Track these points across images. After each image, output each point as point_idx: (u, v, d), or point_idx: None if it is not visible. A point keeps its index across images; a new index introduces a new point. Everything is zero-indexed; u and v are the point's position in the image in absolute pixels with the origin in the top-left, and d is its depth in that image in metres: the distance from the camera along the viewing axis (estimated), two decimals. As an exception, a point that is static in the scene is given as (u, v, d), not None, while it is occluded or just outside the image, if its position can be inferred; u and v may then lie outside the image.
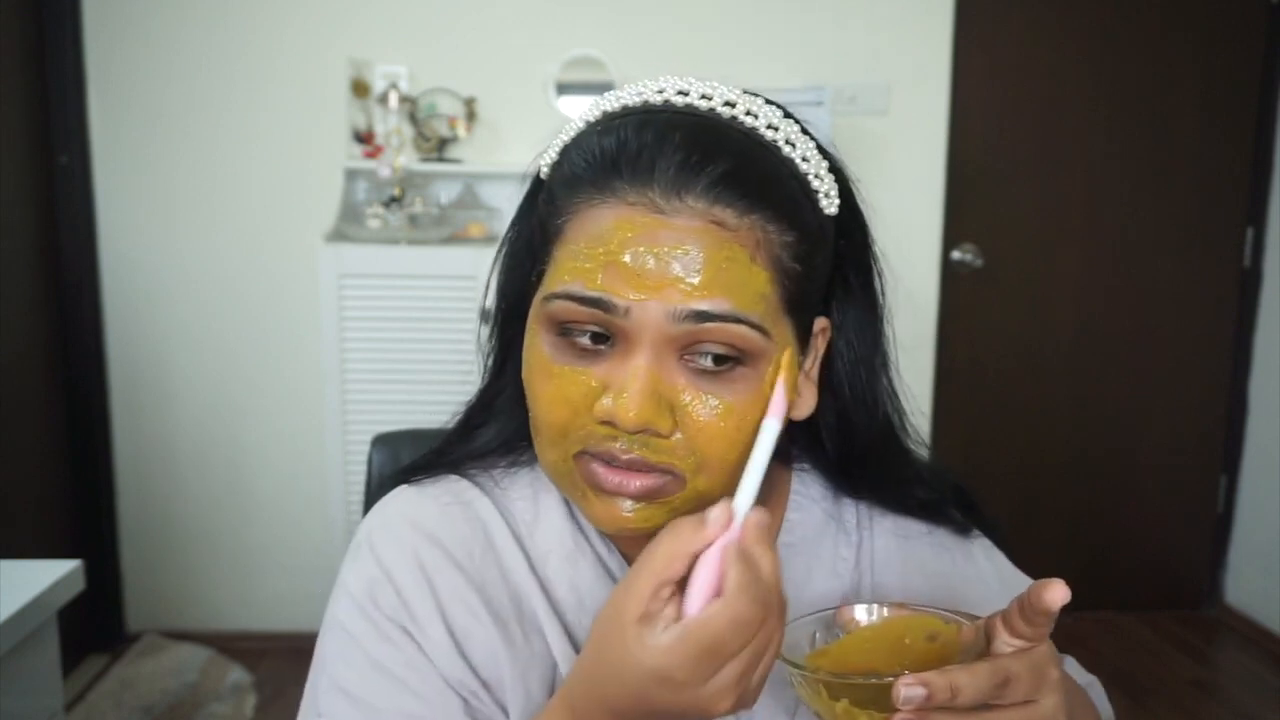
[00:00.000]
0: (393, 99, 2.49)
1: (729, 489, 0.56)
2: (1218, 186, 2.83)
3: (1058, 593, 0.49)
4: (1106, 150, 2.79)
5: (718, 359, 0.54)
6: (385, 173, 2.43)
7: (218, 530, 2.67)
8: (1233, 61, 2.78)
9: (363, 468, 1.01)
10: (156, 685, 2.35)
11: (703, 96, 0.58)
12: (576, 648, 0.61)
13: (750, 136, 0.57)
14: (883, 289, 0.66)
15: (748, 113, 0.58)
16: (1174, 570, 2.98)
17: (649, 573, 0.48)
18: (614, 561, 0.64)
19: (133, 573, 2.67)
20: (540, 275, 0.59)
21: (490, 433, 0.67)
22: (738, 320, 0.54)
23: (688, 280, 0.53)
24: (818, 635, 0.55)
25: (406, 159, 2.48)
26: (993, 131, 2.76)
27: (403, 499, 0.65)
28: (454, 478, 0.66)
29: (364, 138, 2.53)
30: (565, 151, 0.60)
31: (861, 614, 0.55)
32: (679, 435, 0.55)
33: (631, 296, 0.53)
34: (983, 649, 0.51)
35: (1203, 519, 2.97)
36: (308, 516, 2.62)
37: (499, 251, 0.66)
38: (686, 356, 0.55)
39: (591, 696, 0.50)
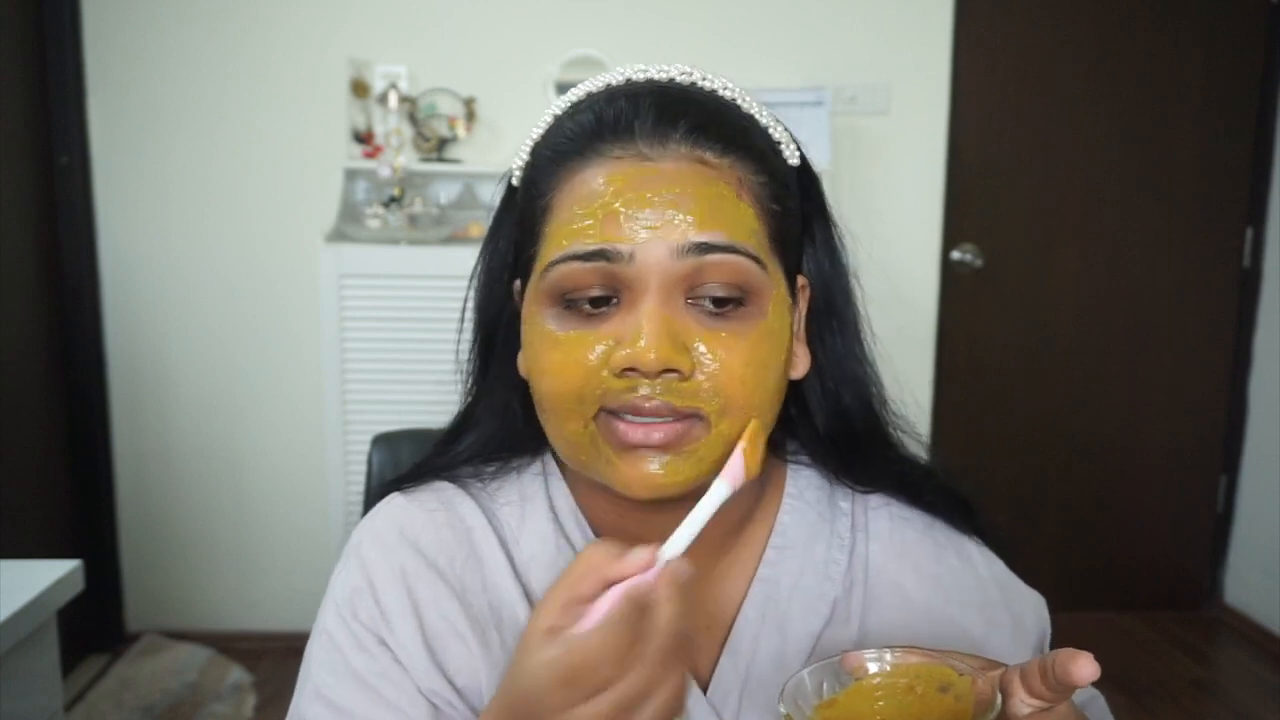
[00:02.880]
0: (392, 99, 2.49)
1: (769, 424, 0.59)
2: (1218, 186, 2.83)
3: (1086, 670, 0.46)
4: (1106, 150, 2.79)
5: (719, 302, 0.56)
6: (385, 173, 2.43)
7: (218, 530, 2.67)
8: (1233, 61, 2.78)
9: (363, 468, 1.01)
10: (156, 685, 2.35)
11: (660, 71, 0.61)
12: None
13: (712, 95, 0.61)
14: (843, 247, 0.67)
15: (703, 78, 0.61)
16: (1174, 570, 2.98)
17: (563, 587, 0.47)
18: None
19: (133, 573, 2.67)
20: (528, 266, 0.60)
21: (474, 438, 0.67)
22: (735, 250, 0.55)
23: (684, 216, 0.55)
24: (825, 685, 0.53)
25: (406, 159, 2.47)
26: (993, 131, 2.76)
27: (393, 506, 0.66)
28: (445, 484, 0.67)
29: (364, 138, 2.53)
30: (538, 146, 0.62)
31: (871, 661, 0.53)
32: (700, 377, 0.55)
33: (633, 240, 0.54)
34: (998, 706, 0.49)
35: (1203, 519, 2.97)
36: (308, 516, 2.62)
37: (475, 268, 0.67)
38: (691, 300, 0.56)
39: (498, 699, 0.50)
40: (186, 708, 2.29)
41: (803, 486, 0.68)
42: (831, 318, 0.65)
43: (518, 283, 0.64)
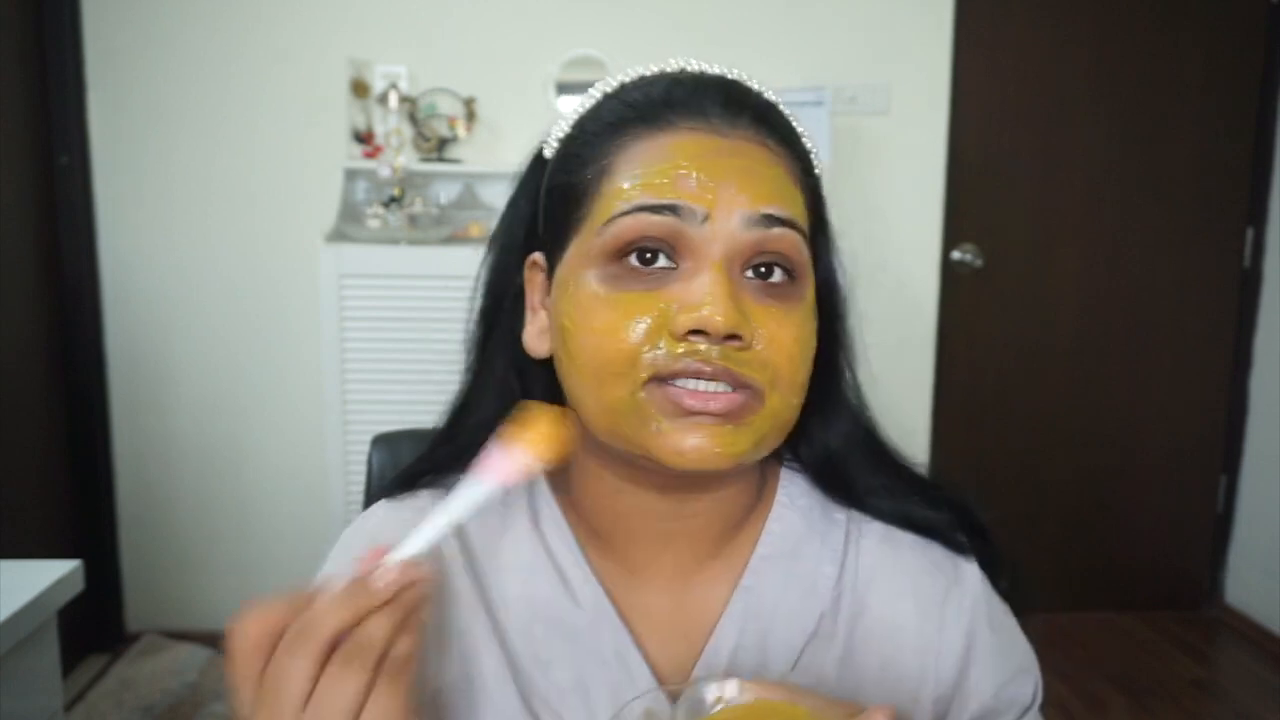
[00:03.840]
0: (392, 99, 2.49)
1: (794, 414, 0.58)
2: (1218, 186, 2.83)
3: None
4: (1106, 150, 2.79)
5: (769, 273, 0.56)
6: (385, 173, 2.43)
7: (218, 530, 2.67)
8: (1233, 61, 2.78)
9: (363, 468, 1.01)
10: (156, 685, 2.35)
11: (710, 67, 0.62)
12: (516, 667, 0.61)
13: (762, 95, 0.62)
14: (841, 268, 0.66)
15: (749, 79, 0.62)
16: (1174, 570, 2.98)
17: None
18: (577, 575, 0.62)
19: (133, 573, 2.67)
20: (567, 231, 0.59)
21: (475, 421, 0.65)
22: (794, 227, 0.57)
23: (756, 188, 0.55)
24: (684, 707, 0.50)
25: (406, 159, 2.47)
26: (993, 131, 2.76)
27: (372, 519, 0.67)
28: (430, 491, 0.66)
29: (364, 138, 2.53)
30: (586, 118, 0.61)
31: (731, 691, 0.50)
32: (757, 347, 0.55)
33: (710, 199, 0.54)
34: None
35: (1203, 519, 2.97)
36: (308, 516, 2.62)
37: (490, 245, 0.66)
38: (745, 274, 0.56)
39: None
40: (186, 708, 2.29)
41: (795, 493, 0.66)
42: (827, 334, 0.64)
43: (537, 255, 0.63)
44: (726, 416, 0.54)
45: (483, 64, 2.58)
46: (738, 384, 0.54)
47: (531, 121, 2.59)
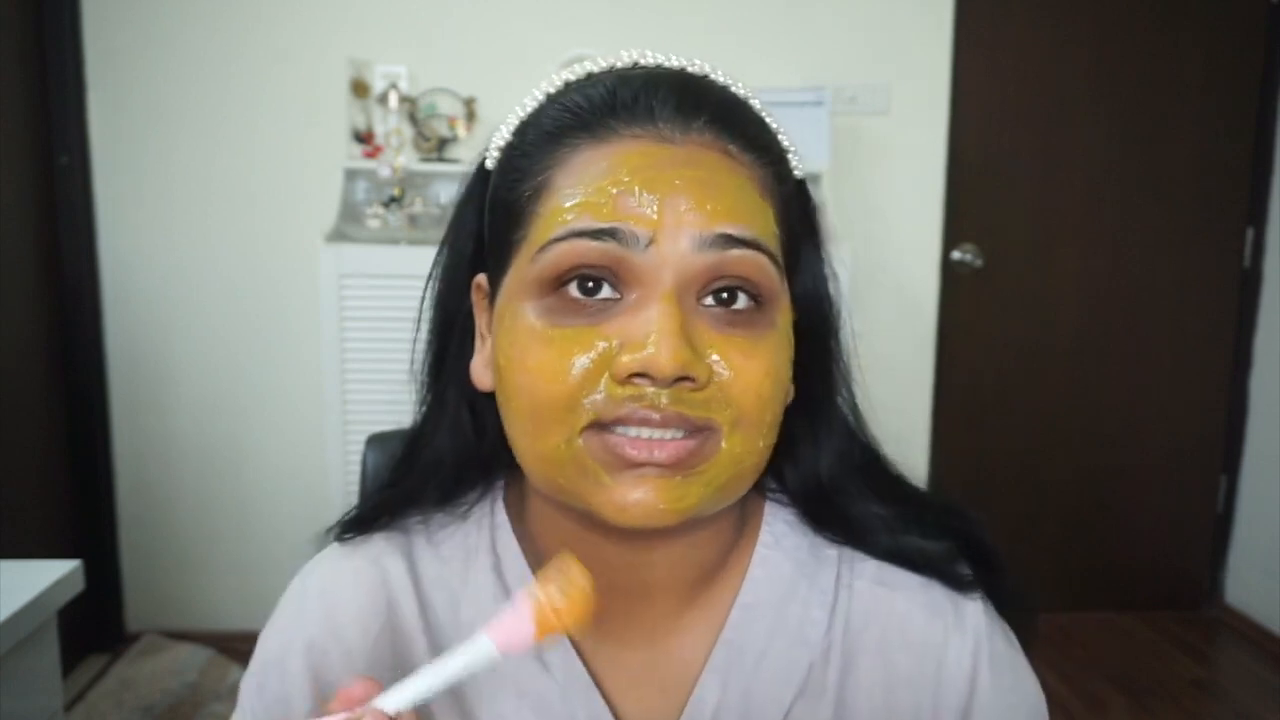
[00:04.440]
0: (393, 99, 2.49)
1: (761, 458, 0.52)
2: (1218, 186, 2.83)
3: None
4: (1106, 150, 2.79)
5: (731, 300, 0.50)
6: (385, 173, 2.43)
7: (218, 530, 2.67)
8: (1233, 61, 2.77)
9: (360, 468, 1.01)
10: (156, 685, 2.35)
11: (668, 59, 0.56)
12: None
13: (726, 90, 0.55)
14: (833, 276, 0.60)
15: (714, 71, 0.56)
16: (1174, 570, 2.98)
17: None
18: None
19: (133, 573, 2.67)
20: (506, 253, 0.53)
21: (426, 461, 0.61)
22: (758, 248, 0.49)
23: (710, 204, 0.48)
24: None
25: (406, 159, 2.47)
26: (993, 131, 2.76)
27: (325, 566, 0.62)
28: (385, 535, 0.61)
29: (364, 138, 2.53)
30: (526, 125, 0.55)
31: None
32: (713, 386, 0.48)
33: (654, 221, 0.47)
34: None
35: (1203, 519, 2.97)
36: (308, 516, 2.62)
37: (436, 259, 0.61)
38: (703, 302, 0.50)
39: None
40: (186, 708, 2.29)
41: (780, 532, 0.60)
42: (813, 351, 0.58)
43: (481, 276, 0.57)
44: (675, 466, 0.48)
45: (483, 64, 2.58)
46: (691, 427, 0.48)
47: (531, 121, 2.60)
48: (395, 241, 2.41)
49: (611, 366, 0.48)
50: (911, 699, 0.57)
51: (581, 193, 0.49)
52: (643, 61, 0.55)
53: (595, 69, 0.55)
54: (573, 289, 0.49)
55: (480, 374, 0.57)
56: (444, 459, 0.59)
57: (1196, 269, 2.85)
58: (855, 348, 0.61)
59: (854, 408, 0.61)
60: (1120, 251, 2.83)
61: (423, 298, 0.61)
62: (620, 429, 0.48)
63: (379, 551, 0.60)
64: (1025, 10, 2.72)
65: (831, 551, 0.59)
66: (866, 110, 2.66)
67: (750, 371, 0.49)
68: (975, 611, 0.59)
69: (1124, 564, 2.96)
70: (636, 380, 0.47)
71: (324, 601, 0.59)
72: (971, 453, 2.85)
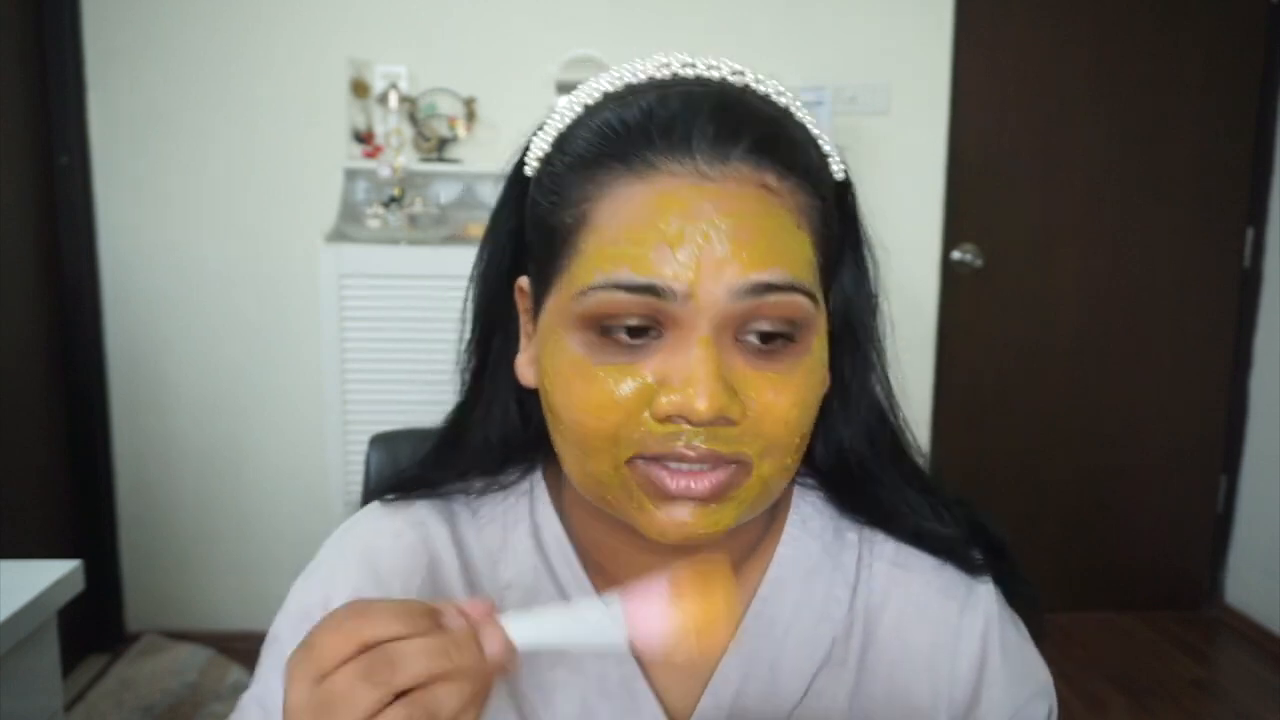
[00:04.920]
0: (393, 99, 2.49)
1: (791, 471, 0.55)
2: (1218, 186, 2.83)
3: None
4: (1106, 150, 2.79)
5: (767, 337, 0.51)
6: (385, 173, 2.43)
7: (218, 530, 2.67)
8: (1233, 61, 2.78)
9: (362, 467, 1.01)
10: (156, 685, 2.35)
11: (710, 67, 0.56)
12: (517, 694, 0.59)
13: (768, 102, 0.55)
14: (876, 269, 0.62)
15: (756, 80, 0.56)
16: (1174, 570, 2.98)
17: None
18: (580, 597, 0.61)
19: (133, 573, 2.67)
20: (549, 275, 0.55)
21: (473, 445, 0.63)
22: (794, 289, 0.51)
23: (746, 252, 0.49)
24: None
25: (406, 159, 2.47)
26: (993, 131, 2.76)
27: (364, 523, 0.64)
28: (425, 503, 0.64)
29: (364, 138, 2.53)
30: (564, 138, 0.55)
31: None
32: (747, 421, 0.51)
33: (690, 278, 0.49)
34: None
35: (1203, 519, 2.97)
36: (308, 516, 2.62)
37: (478, 259, 0.62)
38: (740, 337, 0.51)
39: None
40: (186, 708, 2.29)
41: (807, 514, 0.64)
42: (848, 343, 0.61)
43: (523, 280, 0.59)
44: (710, 497, 0.51)
45: (483, 64, 2.58)
46: (724, 462, 0.51)
47: (531, 122, 2.59)
48: (395, 241, 2.41)
49: (651, 405, 0.50)
50: (928, 671, 0.61)
51: (622, 239, 0.50)
52: (681, 72, 0.55)
53: (633, 79, 0.56)
54: (612, 329, 0.51)
55: (525, 371, 0.59)
56: (492, 444, 0.62)
57: (1196, 269, 2.85)
58: (892, 330, 0.63)
59: (888, 391, 0.63)
60: (1120, 251, 2.83)
61: (465, 297, 0.63)
62: (660, 461, 0.51)
63: (421, 515, 0.63)
64: (1025, 10, 2.72)
65: (853, 535, 0.64)
66: (866, 110, 2.66)
67: (780, 407, 0.51)
68: (987, 594, 0.63)
69: (1124, 564, 2.96)
70: (675, 419, 0.50)
71: (367, 555, 0.61)
72: (971, 453, 2.85)
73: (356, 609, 0.42)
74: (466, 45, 2.58)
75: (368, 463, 0.97)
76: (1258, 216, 2.85)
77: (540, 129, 0.58)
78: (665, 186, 0.50)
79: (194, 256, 2.58)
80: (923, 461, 0.66)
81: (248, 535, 2.67)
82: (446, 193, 2.60)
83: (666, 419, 0.50)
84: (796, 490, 0.65)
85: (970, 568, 0.63)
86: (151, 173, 2.55)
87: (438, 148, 2.53)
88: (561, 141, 0.56)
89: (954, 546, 0.63)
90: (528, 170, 0.58)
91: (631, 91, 0.55)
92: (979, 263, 2.78)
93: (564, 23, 2.58)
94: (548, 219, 0.54)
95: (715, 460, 0.51)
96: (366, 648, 0.41)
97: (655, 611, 0.44)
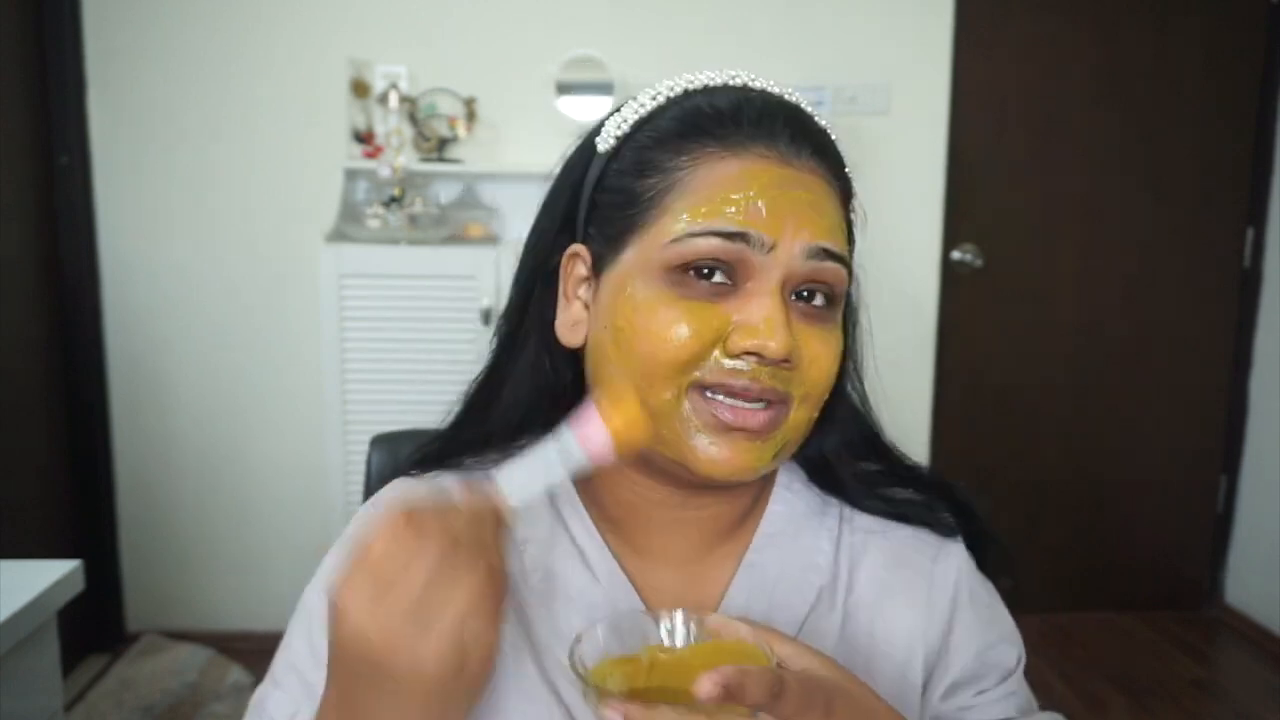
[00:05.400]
0: (393, 99, 2.49)
1: (810, 426, 0.62)
2: (1218, 186, 2.83)
3: (702, 688, 0.45)
4: (1106, 150, 2.79)
5: (811, 297, 0.60)
6: (385, 173, 2.43)
7: (218, 530, 2.67)
8: (1233, 61, 2.78)
9: (362, 468, 1.01)
10: (156, 685, 2.35)
11: (771, 85, 0.64)
12: (534, 640, 0.63)
13: (814, 120, 0.64)
14: (856, 285, 0.68)
15: (802, 102, 0.65)
16: (1174, 570, 2.98)
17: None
18: (592, 547, 0.65)
19: (133, 573, 2.67)
20: (625, 232, 0.61)
21: (509, 399, 0.67)
22: (843, 261, 0.60)
23: (818, 222, 0.59)
24: (678, 634, 0.55)
25: (406, 159, 2.47)
26: (993, 131, 2.76)
27: (392, 492, 0.69)
28: (451, 475, 0.68)
29: (364, 138, 2.53)
30: (648, 120, 0.62)
31: (702, 625, 0.55)
32: (798, 366, 0.59)
33: (776, 233, 0.57)
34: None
35: (1203, 519, 2.97)
36: (308, 516, 2.62)
37: (532, 231, 0.68)
38: (796, 294, 0.59)
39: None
40: (186, 708, 2.29)
41: (792, 478, 0.70)
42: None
43: (578, 246, 0.64)
44: (758, 432, 0.58)
45: (483, 64, 2.58)
46: (775, 398, 0.58)
47: (531, 121, 2.60)
48: (395, 241, 2.41)
49: (726, 342, 0.57)
50: (903, 613, 0.67)
51: (717, 197, 0.58)
52: (748, 81, 0.64)
53: (710, 82, 0.63)
54: (692, 273, 0.58)
55: (567, 331, 0.65)
56: (521, 403, 0.67)
57: (1196, 269, 2.85)
58: (872, 335, 0.71)
59: (863, 396, 0.70)
60: (1120, 251, 2.83)
61: (518, 257, 0.69)
62: (716, 394, 0.58)
63: (443, 482, 0.68)
64: (1025, 10, 2.72)
65: (834, 500, 0.71)
66: (866, 110, 2.66)
67: (825, 357, 0.60)
68: (958, 550, 0.70)
69: (1124, 564, 2.96)
70: (747, 357, 0.57)
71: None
72: (971, 452, 2.85)
73: (394, 519, 0.47)
74: (466, 45, 2.58)
75: (368, 463, 0.98)
76: (1258, 216, 2.85)
77: (617, 113, 0.65)
78: (756, 163, 0.59)
79: (194, 256, 2.58)
80: (903, 453, 0.72)
81: (248, 535, 2.67)
82: (446, 193, 2.60)
83: (740, 355, 0.57)
84: (782, 466, 0.71)
85: (942, 530, 0.70)
86: (151, 173, 2.55)
87: (438, 148, 2.53)
88: (643, 123, 0.63)
89: (924, 512, 0.70)
90: (601, 147, 0.64)
91: (711, 89, 0.63)
92: (979, 263, 2.78)
93: (564, 23, 2.58)
94: (629, 185, 0.61)
95: (771, 394, 0.58)
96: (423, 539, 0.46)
97: (594, 426, 0.52)
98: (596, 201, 0.63)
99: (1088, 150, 2.78)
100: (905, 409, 2.76)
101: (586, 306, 0.64)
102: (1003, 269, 2.80)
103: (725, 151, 0.59)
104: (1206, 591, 2.99)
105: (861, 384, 0.70)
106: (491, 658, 0.48)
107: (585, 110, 2.49)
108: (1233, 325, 2.89)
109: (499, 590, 0.48)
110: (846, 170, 0.65)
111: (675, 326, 0.57)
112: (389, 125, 2.50)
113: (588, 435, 0.52)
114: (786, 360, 0.57)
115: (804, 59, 2.63)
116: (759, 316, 0.57)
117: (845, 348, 0.66)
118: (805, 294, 0.60)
